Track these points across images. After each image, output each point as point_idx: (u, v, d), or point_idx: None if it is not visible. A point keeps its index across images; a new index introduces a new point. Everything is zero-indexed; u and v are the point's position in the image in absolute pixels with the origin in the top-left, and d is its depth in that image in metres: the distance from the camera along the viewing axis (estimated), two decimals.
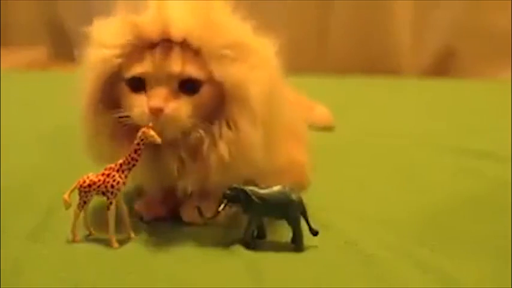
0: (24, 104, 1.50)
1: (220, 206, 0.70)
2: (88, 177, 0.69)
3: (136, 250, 0.70)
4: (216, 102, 0.70)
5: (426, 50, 2.18)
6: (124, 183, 0.69)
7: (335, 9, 2.16)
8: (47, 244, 0.71)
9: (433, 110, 1.59)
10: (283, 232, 0.73)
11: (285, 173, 0.79)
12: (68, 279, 0.63)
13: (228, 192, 0.70)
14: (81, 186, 0.69)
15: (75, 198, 0.70)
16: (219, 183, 0.72)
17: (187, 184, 0.72)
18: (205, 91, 0.70)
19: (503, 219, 0.81)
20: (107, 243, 0.70)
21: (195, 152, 0.71)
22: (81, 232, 0.73)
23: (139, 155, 0.68)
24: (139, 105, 0.69)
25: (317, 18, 2.16)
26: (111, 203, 0.69)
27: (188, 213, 0.76)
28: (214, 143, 0.71)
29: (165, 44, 0.69)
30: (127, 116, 0.70)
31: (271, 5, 2.20)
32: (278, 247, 0.71)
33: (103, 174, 0.69)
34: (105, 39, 0.71)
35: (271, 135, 0.74)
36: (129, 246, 0.71)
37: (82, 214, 0.71)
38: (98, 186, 0.69)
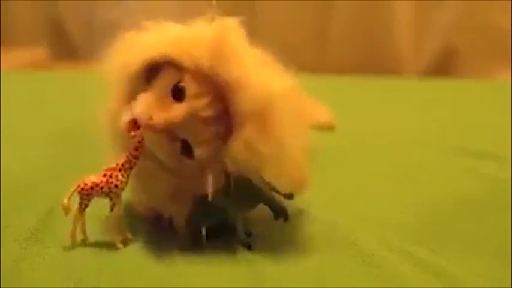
0: (24, 104, 1.50)
1: (201, 231, 0.69)
2: (89, 179, 0.69)
3: (136, 250, 0.70)
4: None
5: (427, 50, 2.18)
6: (126, 182, 0.69)
7: (335, 8, 2.16)
8: (47, 244, 0.71)
9: (433, 110, 1.59)
10: (282, 232, 0.74)
11: (283, 177, 0.79)
12: (68, 279, 0.63)
13: (200, 213, 0.69)
14: (82, 189, 0.68)
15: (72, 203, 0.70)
16: None
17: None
18: None
19: (503, 219, 0.81)
20: (106, 243, 0.70)
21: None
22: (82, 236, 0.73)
23: (140, 153, 0.68)
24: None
25: (317, 18, 2.16)
26: (114, 204, 0.69)
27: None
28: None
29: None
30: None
31: (271, 5, 2.20)
32: (278, 247, 0.71)
33: (105, 175, 0.69)
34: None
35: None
36: (129, 246, 0.71)
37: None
38: (101, 188, 0.68)
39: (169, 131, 0.67)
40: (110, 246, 0.70)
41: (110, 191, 0.69)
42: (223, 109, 0.67)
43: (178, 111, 0.67)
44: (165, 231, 0.75)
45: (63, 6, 2.29)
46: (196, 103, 0.67)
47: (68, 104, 1.49)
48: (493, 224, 0.80)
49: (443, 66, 2.17)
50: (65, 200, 0.68)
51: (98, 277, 0.63)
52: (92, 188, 0.68)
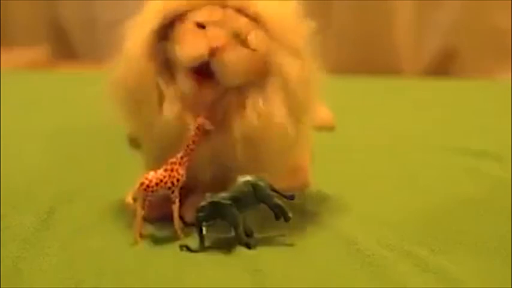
0: (25, 104, 1.50)
1: (201, 231, 0.70)
2: (152, 177, 0.71)
3: (136, 250, 0.70)
4: (261, 70, 0.72)
5: (427, 50, 2.18)
6: (183, 175, 0.71)
7: (335, 9, 2.16)
8: (47, 244, 0.71)
9: (433, 110, 1.59)
10: (282, 232, 0.74)
11: (287, 177, 0.79)
12: (68, 279, 0.63)
13: (200, 214, 0.70)
14: (148, 186, 0.70)
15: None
16: (242, 161, 0.73)
17: (209, 162, 0.74)
18: (258, 55, 0.72)
19: (503, 219, 0.81)
20: (106, 242, 0.71)
21: (221, 123, 0.73)
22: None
23: (196, 145, 0.71)
24: (196, 44, 0.70)
25: (317, 18, 2.16)
26: (176, 196, 0.72)
27: (190, 214, 0.76)
28: (243, 112, 0.73)
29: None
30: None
31: None
32: (278, 247, 0.71)
33: (166, 170, 0.71)
34: None
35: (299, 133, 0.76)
36: (129, 246, 0.71)
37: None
38: (165, 183, 0.71)
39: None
40: (110, 246, 0.70)
41: (172, 185, 0.71)
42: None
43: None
44: (165, 231, 0.75)
45: (63, 6, 2.28)
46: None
47: (68, 104, 1.49)
48: (493, 224, 0.80)
49: (443, 66, 2.17)
50: (129, 199, 0.71)
51: (97, 277, 0.63)
52: (157, 184, 0.71)
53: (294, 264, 0.67)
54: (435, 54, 2.17)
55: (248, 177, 0.71)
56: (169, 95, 0.73)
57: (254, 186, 0.70)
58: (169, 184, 0.71)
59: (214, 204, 0.69)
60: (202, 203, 0.70)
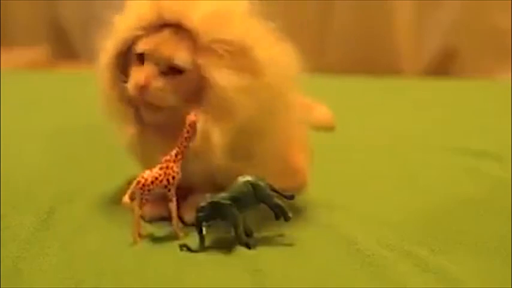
0: (24, 104, 1.50)
1: (201, 231, 0.70)
2: (148, 175, 0.71)
3: (136, 250, 0.70)
4: (199, 86, 0.72)
5: (426, 50, 2.18)
6: (179, 172, 0.71)
7: (336, 9, 2.16)
8: (47, 244, 0.71)
9: (433, 110, 1.59)
10: (282, 231, 0.74)
11: (282, 177, 0.79)
12: (68, 279, 0.63)
13: (200, 214, 0.70)
14: (144, 185, 0.70)
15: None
16: (193, 172, 0.74)
17: None
18: (189, 75, 0.72)
19: (503, 219, 0.81)
20: (106, 242, 0.71)
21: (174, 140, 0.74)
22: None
23: (189, 143, 0.71)
24: (132, 80, 0.73)
25: (318, 18, 2.16)
26: (172, 194, 0.71)
27: (189, 215, 0.76)
28: None
29: (168, 28, 0.73)
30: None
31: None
32: (278, 247, 0.71)
33: (161, 168, 0.71)
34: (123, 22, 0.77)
35: (260, 143, 0.76)
36: (128, 246, 0.71)
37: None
38: (161, 181, 0.71)
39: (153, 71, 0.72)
40: (110, 246, 0.70)
41: (168, 183, 0.71)
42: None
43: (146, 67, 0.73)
44: (165, 231, 0.75)
45: (63, 6, 2.29)
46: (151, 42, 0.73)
47: (68, 104, 1.49)
48: (493, 224, 0.80)
49: (443, 66, 2.17)
50: (126, 199, 0.70)
51: (97, 277, 0.63)
52: (152, 182, 0.71)
53: (294, 264, 0.67)
54: (435, 54, 2.17)
55: (248, 177, 0.71)
56: (127, 118, 0.77)
57: (254, 186, 0.70)
58: (165, 182, 0.71)
59: (214, 204, 0.69)
60: (202, 203, 0.70)
